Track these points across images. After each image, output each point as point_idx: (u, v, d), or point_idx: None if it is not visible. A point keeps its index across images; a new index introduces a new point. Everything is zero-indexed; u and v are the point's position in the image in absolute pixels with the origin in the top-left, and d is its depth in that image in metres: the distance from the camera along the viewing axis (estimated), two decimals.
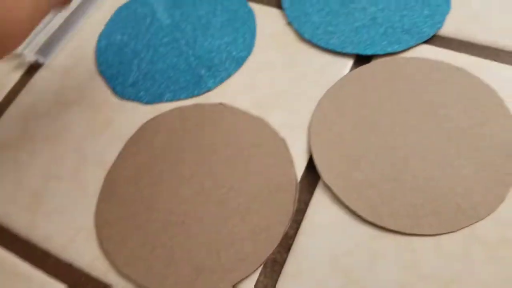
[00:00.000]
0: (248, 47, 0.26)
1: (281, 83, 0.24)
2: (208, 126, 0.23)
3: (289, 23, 0.26)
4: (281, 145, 0.22)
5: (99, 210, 0.21)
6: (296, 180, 0.21)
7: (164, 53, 0.27)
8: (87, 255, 0.21)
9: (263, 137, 0.22)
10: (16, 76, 0.28)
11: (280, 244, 0.20)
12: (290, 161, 0.21)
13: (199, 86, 0.25)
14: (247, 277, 0.19)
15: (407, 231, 0.19)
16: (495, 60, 0.23)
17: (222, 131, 0.23)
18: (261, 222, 0.20)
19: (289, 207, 0.20)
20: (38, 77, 0.27)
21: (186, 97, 0.25)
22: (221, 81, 0.25)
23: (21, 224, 0.22)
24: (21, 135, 0.25)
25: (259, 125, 0.23)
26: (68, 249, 0.21)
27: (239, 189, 0.21)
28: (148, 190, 0.22)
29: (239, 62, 0.25)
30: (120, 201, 0.22)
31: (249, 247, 0.19)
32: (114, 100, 0.25)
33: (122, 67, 0.26)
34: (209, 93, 0.25)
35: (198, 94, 0.25)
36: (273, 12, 0.27)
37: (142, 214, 0.21)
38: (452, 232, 0.19)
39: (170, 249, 0.20)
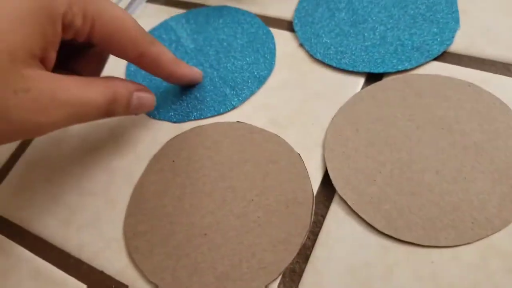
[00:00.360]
0: (269, 67, 0.28)
1: (295, 102, 0.26)
2: (227, 143, 0.25)
3: (301, 45, 0.28)
4: (297, 161, 0.23)
5: (127, 223, 0.23)
6: (313, 194, 0.22)
7: None
8: (117, 264, 0.22)
9: (279, 153, 0.24)
10: None
11: (299, 255, 0.21)
12: (306, 176, 0.22)
13: (224, 105, 0.27)
14: (267, 286, 0.20)
15: (425, 243, 0.20)
16: (506, 75, 0.24)
17: (240, 148, 0.24)
18: (280, 234, 0.21)
19: (306, 220, 0.21)
20: None
21: (212, 115, 0.26)
22: (245, 99, 0.27)
23: (57, 235, 0.24)
24: (55, 155, 0.27)
25: (276, 141, 0.24)
26: (99, 258, 0.23)
27: (258, 202, 0.22)
28: (171, 205, 0.23)
29: (261, 80, 0.27)
30: (146, 215, 0.23)
31: (269, 258, 0.20)
32: (143, 120, 0.28)
33: (151, 90, 0.28)
34: (229, 112, 0.26)
35: (223, 112, 0.27)
36: (285, 34, 0.29)
37: (167, 227, 0.22)
38: (469, 243, 0.20)
39: (194, 260, 0.21)
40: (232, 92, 0.27)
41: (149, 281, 0.21)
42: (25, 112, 0.17)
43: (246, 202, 0.22)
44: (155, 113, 0.28)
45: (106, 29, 0.20)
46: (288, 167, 0.23)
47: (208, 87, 0.28)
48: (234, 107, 0.27)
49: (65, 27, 0.19)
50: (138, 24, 0.22)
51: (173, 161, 0.25)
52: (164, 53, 0.23)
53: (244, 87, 0.27)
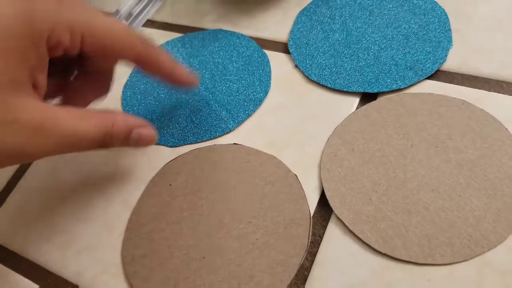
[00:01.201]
0: (264, 89, 0.29)
1: (291, 123, 0.27)
2: (224, 165, 0.26)
3: (296, 66, 0.29)
4: (293, 182, 0.24)
5: (125, 247, 0.24)
6: (310, 214, 0.23)
7: (185, 99, 0.30)
8: None
9: (276, 174, 0.24)
10: None
11: (297, 276, 0.21)
12: (303, 197, 0.23)
13: (220, 128, 0.28)
14: None
15: (420, 261, 0.20)
16: (499, 92, 0.25)
17: (236, 170, 0.25)
18: (278, 255, 0.22)
19: (304, 241, 0.22)
20: None
21: (208, 139, 0.27)
22: (241, 121, 0.28)
23: (54, 261, 0.25)
24: (51, 181, 0.28)
25: (272, 163, 0.25)
26: (97, 283, 0.23)
27: (256, 224, 0.23)
28: (169, 228, 0.24)
29: (257, 103, 0.28)
30: (144, 239, 0.24)
31: (267, 280, 0.21)
32: None
33: (147, 114, 0.29)
34: (226, 134, 0.27)
35: (220, 135, 0.27)
36: (281, 56, 0.30)
37: (165, 250, 0.23)
38: (465, 261, 0.20)
39: (193, 283, 0.22)
40: (228, 115, 0.28)
41: None
42: (11, 140, 0.18)
43: (244, 224, 0.23)
44: None
45: (97, 39, 0.21)
46: (285, 188, 0.24)
47: (204, 111, 0.29)
48: (230, 130, 0.27)
49: (52, 47, 0.20)
50: (129, 28, 0.23)
51: (170, 184, 0.25)
52: (162, 53, 0.24)
53: (240, 110, 0.28)
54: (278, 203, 0.23)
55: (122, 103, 0.31)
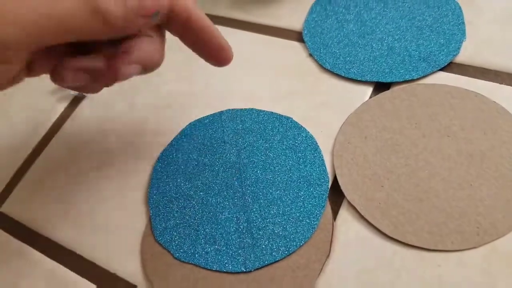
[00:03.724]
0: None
1: (305, 110, 0.27)
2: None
3: (311, 55, 0.30)
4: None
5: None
6: (333, 220, 0.23)
7: None
8: (129, 266, 0.24)
9: None
10: (61, 107, 0.32)
11: None
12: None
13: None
14: None
15: (431, 247, 0.21)
16: (511, 85, 0.25)
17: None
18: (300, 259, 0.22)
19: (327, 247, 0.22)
20: (82, 108, 0.31)
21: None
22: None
23: (70, 238, 0.26)
24: (68, 160, 0.29)
25: None
26: (112, 261, 0.24)
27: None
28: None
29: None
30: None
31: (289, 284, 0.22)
32: (145, 128, 0.29)
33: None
34: None
35: None
36: (295, 45, 0.31)
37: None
38: (474, 248, 0.21)
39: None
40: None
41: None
42: None
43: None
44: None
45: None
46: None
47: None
48: None
49: None
50: None
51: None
52: (207, 18, 0.21)
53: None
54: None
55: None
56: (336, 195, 0.24)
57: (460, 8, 0.29)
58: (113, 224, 0.26)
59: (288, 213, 0.23)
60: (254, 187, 0.25)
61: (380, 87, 0.27)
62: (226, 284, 0.22)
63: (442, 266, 0.20)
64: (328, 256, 0.22)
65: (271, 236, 0.23)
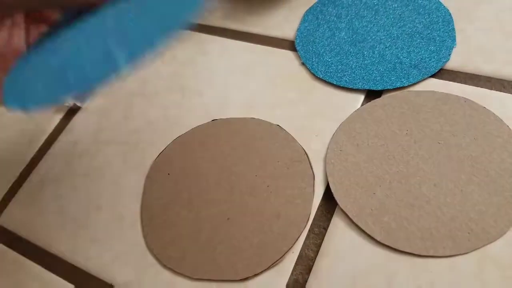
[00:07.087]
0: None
1: (297, 119, 0.28)
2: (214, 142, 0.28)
3: (303, 64, 0.30)
4: (279, 131, 0.27)
5: (150, 240, 0.25)
6: (304, 151, 0.26)
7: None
8: (124, 277, 0.24)
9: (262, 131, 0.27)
10: (56, 119, 0.33)
11: (302, 266, 0.22)
12: (292, 140, 0.27)
13: None
14: None
15: (423, 254, 0.21)
16: (500, 90, 0.26)
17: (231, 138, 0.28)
18: (292, 190, 0.25)
19: (309, 172, 0.25)
20: (77, 119, 0.32)
21: None
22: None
23: (65, 248, 0.26)
24: (64, 171, 0.29)
25: (255, 122, 0.28)
26: (108, 270, 0.25)
27: (261, 176, 0.26)
28: (185, 210, 0.26)
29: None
30: (165, 227, 0.26)
31: (292, 212, 0.24)
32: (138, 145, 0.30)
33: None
34: None
35: None
36: (288, 54, 0.31)
37: (190, 224, 0.25)
38: (466, 253, 0.21)
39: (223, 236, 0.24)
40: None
41: None
42: None
43: (252, 178, 0.26)
44: None
45: None
46: (273, 139, 0.27)
47: None
48: None
49: None
50: None
51: (169, 174, 0.27)
52: None
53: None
54: (273, 153, 0.26)
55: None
56: (329, 202, 0.24)
57: (450, 15, 0.29)
58: (109, 235, 0.26)
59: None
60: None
61: (371, 94, 0.28)
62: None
63: (434, 272, 0.21)
64: (313, 179, 0.25)
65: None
